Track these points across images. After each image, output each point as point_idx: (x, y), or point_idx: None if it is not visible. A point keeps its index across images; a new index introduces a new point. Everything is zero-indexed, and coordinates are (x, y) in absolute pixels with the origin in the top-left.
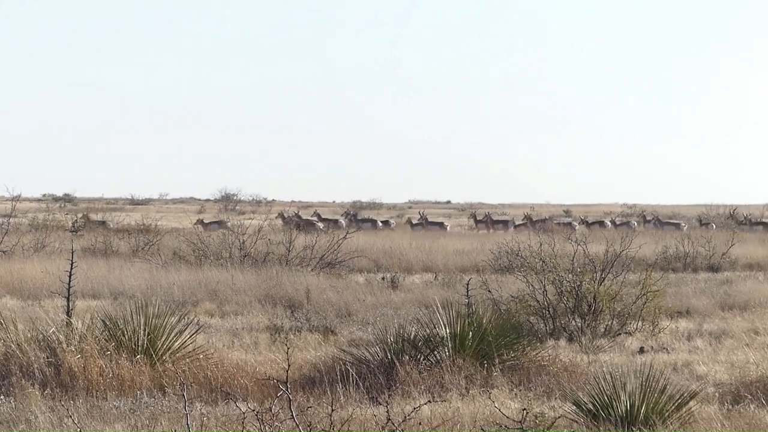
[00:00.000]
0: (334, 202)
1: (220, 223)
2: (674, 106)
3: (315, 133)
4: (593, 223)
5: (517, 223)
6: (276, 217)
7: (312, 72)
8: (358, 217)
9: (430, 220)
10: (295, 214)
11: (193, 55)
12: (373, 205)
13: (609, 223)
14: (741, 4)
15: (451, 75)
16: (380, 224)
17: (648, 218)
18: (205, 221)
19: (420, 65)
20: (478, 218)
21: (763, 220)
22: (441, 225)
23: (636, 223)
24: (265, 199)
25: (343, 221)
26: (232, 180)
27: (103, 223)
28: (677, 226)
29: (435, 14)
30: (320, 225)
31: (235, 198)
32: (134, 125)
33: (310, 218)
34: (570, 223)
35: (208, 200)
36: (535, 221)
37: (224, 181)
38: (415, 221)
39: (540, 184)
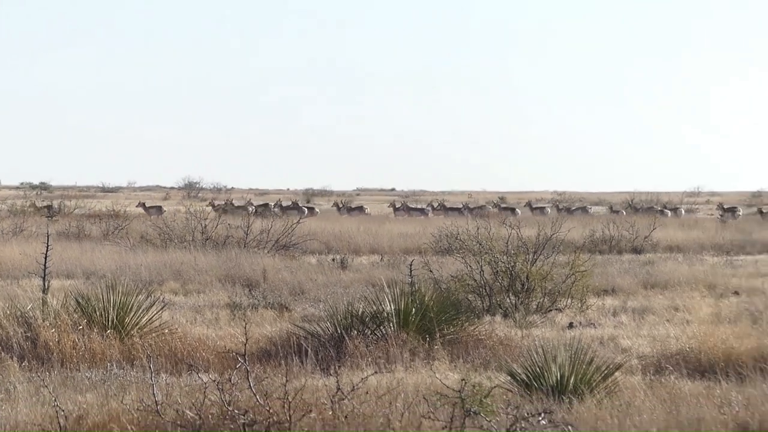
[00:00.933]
0: (288, 189)
1: (158, 209)
2: (607, 103)
3: (271, 125)
4: (505, 209)
5: (431, 209)
6: (207, 205)
7: (270, 67)
8: (283, 205)
9: (353, 206)
10: (227, 201)
11: (164, 51)
12: (324, 192)
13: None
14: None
15: (395, 72)
16: (306, 211)
17: (559, 206)
18: (147, 205)
19: (369, 63)
20: (396, 206)
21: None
22: (421, 210)
23: (549, 209)
24: (225, 186)
25: (273, 208)
26: (196, 169)
27: (49, 207)
28: (584, 209)
29: (382, 16)
30: (252, 209)
31: (197, 186)
32: (105, 118)
33: (242, 205)
34: (513, 209)
35: (172, 188)
36: (472, 208)
37: (188, 170)
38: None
39: (478, 172)
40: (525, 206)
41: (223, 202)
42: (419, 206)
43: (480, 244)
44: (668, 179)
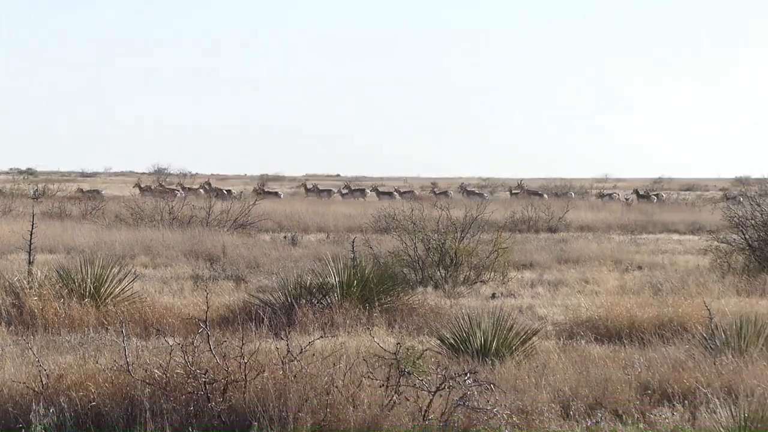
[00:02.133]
0: (245, 175)
1: (98, 191)
2: (527, 97)
3: (232, 116)
4: (438, 193)
5: (344, 191)
6: (133, 187)
7: (230, 57)
8: (212, 187)
9: (321, 188)
10: (159, 184)
11: (138, 45)
12: (277, 178)
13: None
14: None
15: (338, 66)
16: (234, 193)
17: (467, 189)
18: (84, 189)
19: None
20: (308, 187)
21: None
22: (329, 192)
23: (452, 193)
24: (190, 172)
25: (202, 191)
26: (165, 155)
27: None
28: (480, 195)
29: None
30: (180, 193)
31: (165, 171)
32: (84, 108)
33: (171, 188)
34: (446, 192)
35: (144, 173)
36: (403, 192)
37: (158, 156)
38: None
39: (412, 158)
40: (459, 191)
41: (149, 184)
42: (327, 188)
43: (414, 224)
44: (580, 166)
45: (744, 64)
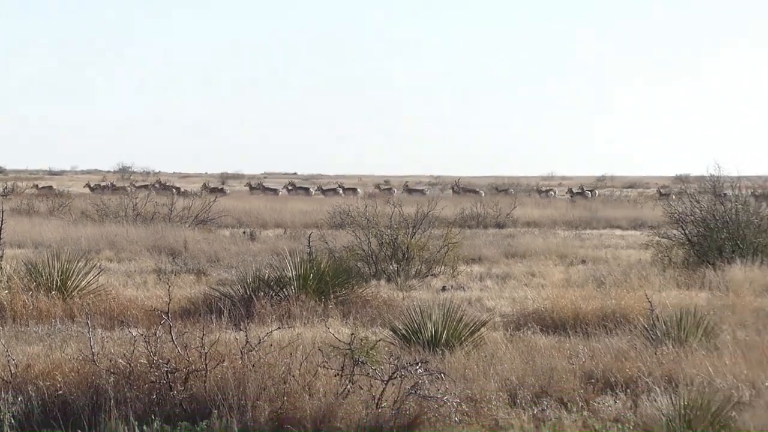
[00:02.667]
0: (206, 173)
1: (50, 188)
2: (475, 99)
3: (192, 115)
4: (413, 190)
5: (290, 188)
6: (84, 186)
7: (192, 57)
8: (162, 184)
9: (266, 186)
10: (110, 183)
11: (99, 45)
12: (237, 176)
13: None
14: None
15: (296, 67)
16: (183, 190)
17: (409, 187)
18: (39, 185)
19: (275, 58)
20: (252, 186)
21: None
22: (274, 190)
23: (395, 190)
24: (153, 170)
25: (152, 189)
26: (129, 154)
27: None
28: (422, 192)
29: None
30: (131, 191)
31: (129, 169)
32: (51, 108)
33: (122, 185)
34: (390, 189)
35: (109, 171)
36: (346, 188)
37: (122, 155)
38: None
39: (367, 157)
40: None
41: (99, 183)
42: (273, 186)
43: (368, 220)
44: (529, 164)
45: (685, 66)
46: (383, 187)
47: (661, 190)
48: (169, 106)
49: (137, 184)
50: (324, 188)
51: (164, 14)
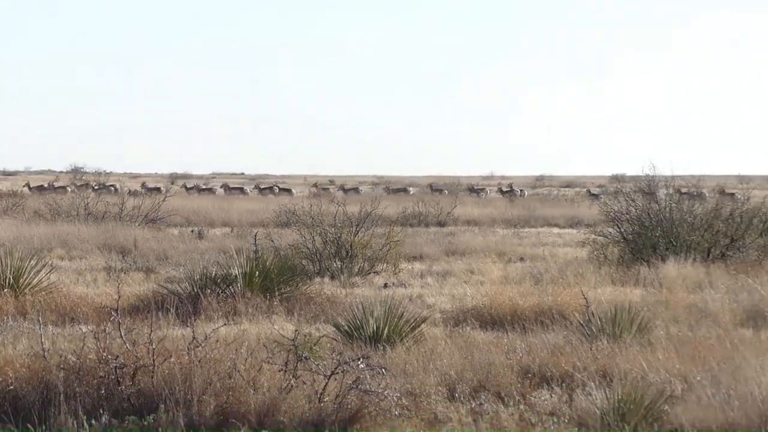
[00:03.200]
0: (156, 173)
1: None
2: (420, 101)
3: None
4: (349, 189)
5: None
6: (23, 186)
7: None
8: (101, 184)
9: (202, 187)
10: (50, 183)
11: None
12: (186, 176)
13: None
14: None
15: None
16: (115, 189)
17: (345, 187)
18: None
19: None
20: (188, 186)
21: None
22: (241, 190)
23: (332, 189)
24: (104, 171)
25: (91, 189)
26: (81, 155)
27: None
28: (356, 190)
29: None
30: (70, 189)
31: (81, 170)
32: (9, 109)
33: (63, 185)
34: (327, 189)
35: (61, 172)
36: (281, 188)
37: (75, 155)
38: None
39: (312, 158)
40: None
41: (42, 184)
42: (208, 186)
43: (312, 219)
44: (468, 164)
45: (619, 68)
46: (322, 187)
47: (591, 190)
48: (122, 106)
49: (78, 184)
50: (261, 187)
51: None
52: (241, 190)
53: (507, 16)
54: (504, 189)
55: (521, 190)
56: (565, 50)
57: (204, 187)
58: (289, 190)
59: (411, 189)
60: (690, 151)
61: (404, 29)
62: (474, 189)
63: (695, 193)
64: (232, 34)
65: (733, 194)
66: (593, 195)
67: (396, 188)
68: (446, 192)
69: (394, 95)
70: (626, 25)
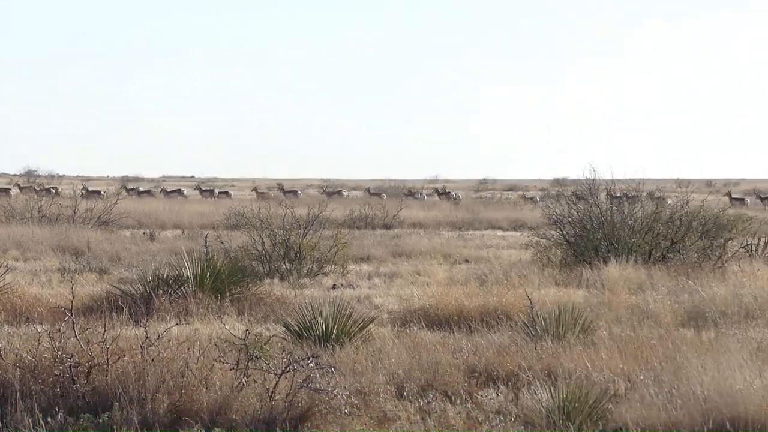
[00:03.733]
0: (108, 176)
1: None
2: (365, 106)
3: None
4: (288, 192)
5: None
6: None
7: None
8: (43, 187)
9: (141, 189)
10: None
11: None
12: (137, 179)
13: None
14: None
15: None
16: (53, 191)
17: (285, 189)
18: None
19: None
20: (128, 188)
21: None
22: (180, 192)
23: (272, 193)
24: (57, 174)
25: (13, 191)
26: (36, 158)
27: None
28: (294, 193)
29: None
30: (14, 192)
31: (35, 173)
32: None
33: (7, 188)
34: (265, 192)
35: (15, 174)
36: (220, 191)
37: (29, 159)
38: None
39: (261, 162)
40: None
41: None
42: (147, 188)
43: (262, 221)
44: (412, 168)
45: (562, 73)
46: (261, 190)
47: (526, 194)
48: (74, 109)
49: (22, 186)
50: (202, 189)
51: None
52: (180, 192)
53: (453, 19)
54: (440, 191)
55: (456, 194)
56: (512, 55)
57: (143, 189)
58: (227, 193)
59: (345, 192)
60: (631, 155)
61: (350, 32)
62: (411, 192)
63: (630, 197)
64: (184, 35)
65: (661, 197)
66: (529, 199)
67: (330, 191)
68: (384, 196)
69: (342, 99)
70: (577, 28)
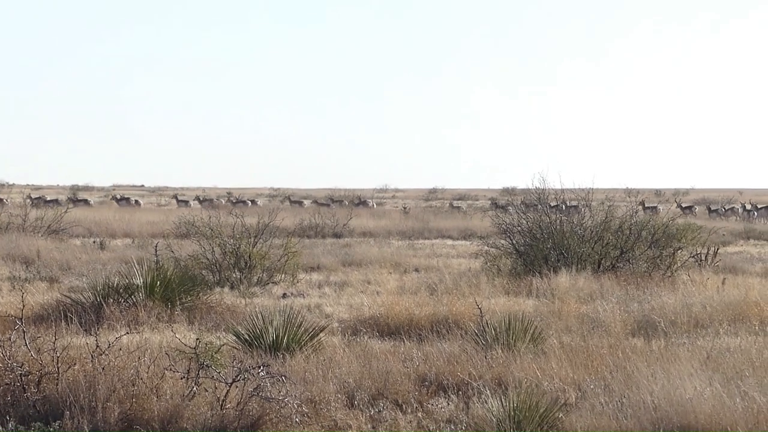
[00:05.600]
0: (58, 185)
1: None
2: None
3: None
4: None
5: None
6: None
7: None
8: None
9: (124, 196)
10: None
11: None
12: (87, 188)
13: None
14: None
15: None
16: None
17: (233, 199)
18: None
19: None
20: (77, 198)
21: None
22: (136, 202)
23: (221, 200)
24: (7, 182)
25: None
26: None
27: None
28: (244, 203)
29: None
30: None
31: None
32: None
33: None
34: (212, 200)
35: None
36: (204, 200)
37: None
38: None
39: (210, 169)
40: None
41: None
42: (84, 197)
43: (212, 230)
44: (363, 177)
45: (512, 83)
46: (204, 197)
47: (453, 203)
48: (25, 120)
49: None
50: (118, 198)
51: None
52: (127, 200)
53: (401, 33)
54: (362, 199)
55: (373, 199)
56: (460, 63)
57: (78, 198)
58: (184, 200)
59: (305, 202)
60: (580, 164)
61: (302, 44)
62: (362, 201)
63: (573, 206)
64: (135, 44)
65: (610, 206)
66: (455, 207)
67: (294, 200)
68: (332, 206)
69: (292, 108)
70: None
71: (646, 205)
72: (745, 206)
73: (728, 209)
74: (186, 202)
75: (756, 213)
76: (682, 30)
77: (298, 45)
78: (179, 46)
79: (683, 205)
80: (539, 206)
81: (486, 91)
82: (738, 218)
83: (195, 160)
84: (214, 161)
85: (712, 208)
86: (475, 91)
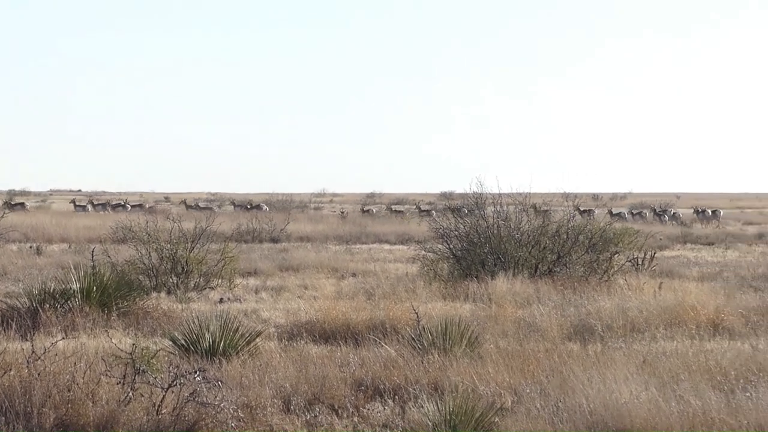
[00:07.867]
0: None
1: None
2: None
3: None
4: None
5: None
6: None
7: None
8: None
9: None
10: None
11: None
12: (24, 193)
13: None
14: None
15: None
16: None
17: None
18: None
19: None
20: (12, 203)
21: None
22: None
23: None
24: None
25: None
26: None
27: None
28: (210, 210)
29: None
30: None
31: None
32: None
33: None
34: (141, 205)
35: None
36: (96, 204)
37: None
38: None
39: (147, 175)
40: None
41: None
42: (20, 201)
43: (149, 235)
44: (300, 182)
45: (447, 87)
46: (133, 204)
47: (392, 207)
48: None
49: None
50: (12, 203)
51: None
52: (22, 205)
53: (338, 39)
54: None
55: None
56: (397, 66)
57: (15, 203)
58: (103, 204)
59: (264, 206)
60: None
61: (236, 50)
62: (249, 205)
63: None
64: (77, 50)
65: (546, 211)
66: (396, 212)
67: (201, 206)
68: (266, 207)
69: (228, 114)
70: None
71: (582, 209)
72: (656, 210)
73: (636, 214)
74: (83, 207)
75: (666, 217)
76: (632, 38)
77: (230, 49)
78: (114, 50)
79: (613, 211)
80: (476, 211)
81: (420, 95)
82: (644, 222)
83: (134, 164)
84: (151, 166)
85: (634, 212)
86: (408, 95)
